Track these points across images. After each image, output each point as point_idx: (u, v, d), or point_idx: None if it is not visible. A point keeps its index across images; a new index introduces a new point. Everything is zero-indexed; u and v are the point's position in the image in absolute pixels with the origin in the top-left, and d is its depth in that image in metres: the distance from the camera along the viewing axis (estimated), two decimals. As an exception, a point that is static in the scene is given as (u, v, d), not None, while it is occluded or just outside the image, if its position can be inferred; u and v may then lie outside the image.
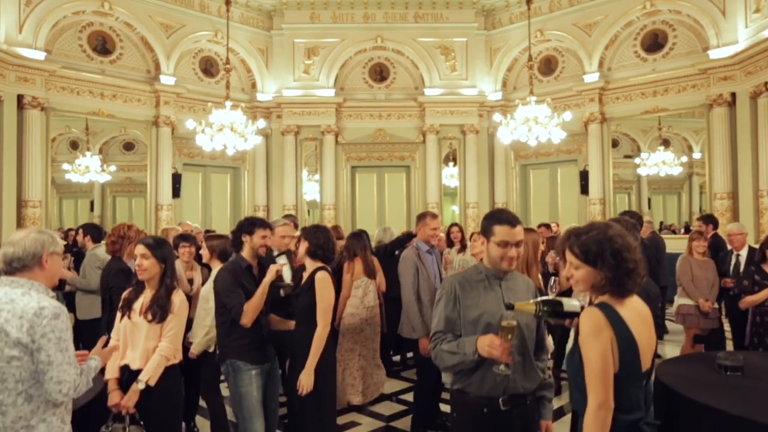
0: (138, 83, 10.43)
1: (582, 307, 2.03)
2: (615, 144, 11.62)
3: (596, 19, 10.87)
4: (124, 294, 2.80)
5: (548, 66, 11.73)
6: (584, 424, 1.73)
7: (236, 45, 11.21)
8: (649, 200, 12.77)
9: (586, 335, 1.76)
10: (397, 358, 6.33)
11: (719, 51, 9.45)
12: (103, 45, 10.19)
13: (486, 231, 2.25)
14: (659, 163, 11.50)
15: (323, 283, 3.12)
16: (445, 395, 4.71)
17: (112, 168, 11.92)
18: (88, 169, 11.54)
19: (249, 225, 3.33)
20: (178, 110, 10.80)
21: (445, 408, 4.45)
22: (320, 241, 3.23)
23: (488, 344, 2.01)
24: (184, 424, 4.24)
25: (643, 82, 10.44)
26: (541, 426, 2.33)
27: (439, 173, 11.88)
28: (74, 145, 12.64)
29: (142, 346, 2.66)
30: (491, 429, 2.17)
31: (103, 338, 2.38)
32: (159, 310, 2.66)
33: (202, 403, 4.37)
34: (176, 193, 10.90)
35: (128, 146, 12.68)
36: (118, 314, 2.78)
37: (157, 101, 10.63)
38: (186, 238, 4.39)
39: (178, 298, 2.74)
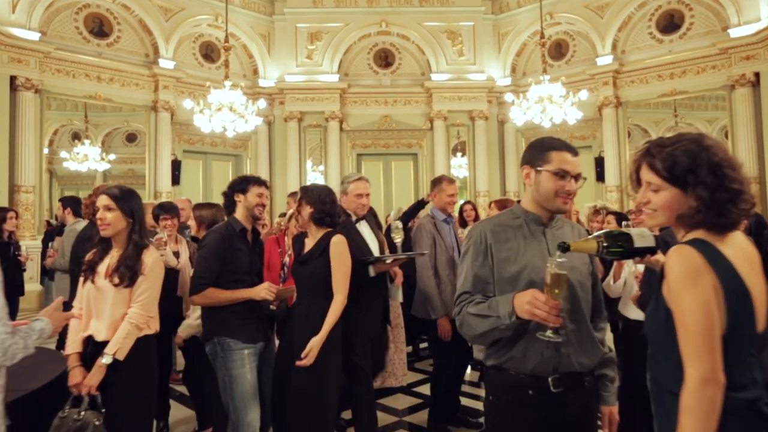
0: (136, 67, 9.96)
1: (656, 238, 1.51)
2: (627, 135, 11.10)
3: (608, 1, 10.34)
4: (87, 255, 2.31)
5: (558, 50, 11.20)
6: (682, 406, 1.20)
7: (237, 30, 10.73)
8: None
9: (678, 282, 1.24)
10: (408, 348, 5.83)
11: (740, 29, 8.90)
12: (100, 27, 9.73)
13: (534, 160, 1.73)
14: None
15: (341, 247, 2.71)
16: (466, 388, 4.24)
17: (112, 156, 11.50)
18: (87, 157, 11.13)
19: (242, 182, 2.88)
20: (178, 95, 10.33)
21: (466, 402, 3.96)
22: (327, 206, 2.78)
23: (529, 301, 1.50)
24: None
25: (659, 64, 9.90)
26: (602, 413, 1.82)
27: (447, 161, 11.35)
28: (76, 137, 12.31)
29: (109, 314, 2.18)
30: (539, 416, 1.65)
31: (60, 299, 1.90)
32: (127, 272, 2.17)
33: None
34: (176, 180, 10.44)
35: (131, 138, 12.25)
36: (81, 278, 2.29)
37: (155, 85, 10.16)
38: (166, 208, 3.79)
39: (150, 258, 2.25)
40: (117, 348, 2.12)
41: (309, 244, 2.83)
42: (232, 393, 2.65)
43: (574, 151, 1.72)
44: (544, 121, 8.93)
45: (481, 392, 4.11)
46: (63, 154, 11.02)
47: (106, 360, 2.10)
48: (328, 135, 11.26)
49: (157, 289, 2.29)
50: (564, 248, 1.46)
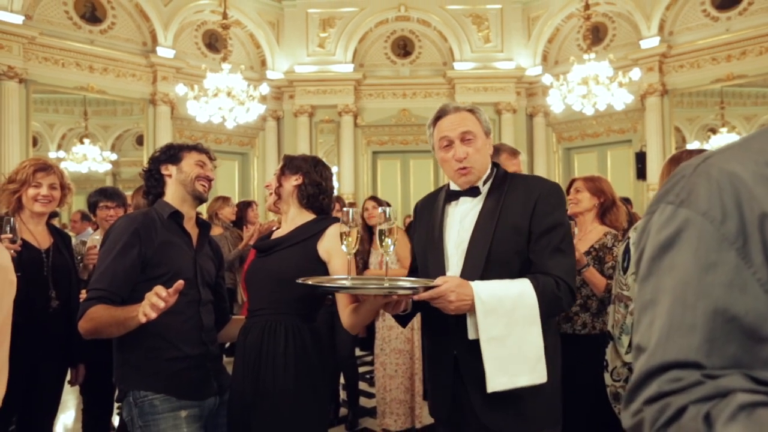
0: (132, 56, 8.78)
1: None
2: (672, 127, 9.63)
3: (654, -23, 8.90)
4: None
5: (596, 35, 9.74)
6: None
7: (243, 17, 9.53)
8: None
9: None
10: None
11: (814, 1, 7.41)
12: (92, 12, 8.56)
13: None
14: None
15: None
16: None
17: (113, 156, 10.49)
18: (86, 157, 10.08)
19: (170, 149, 1.84)
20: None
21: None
22: (323, 181, 1.81)
23: None
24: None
25: (714, 44, 8.40)
26: None
27: (470, 159, 9.93)
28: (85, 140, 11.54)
29: None
30: None
31: None
32: None
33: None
34: (175, 180, 9.22)
35: (141, 140, 11.38)
36: None
37: (154, 77, 8.96)
38: (108, 194, 2.80)
39: None
40: None
41: (283, 228, 1.83)
42: None
43: None
44: (586, 107, 7.49)
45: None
46: (61, 153, 10.09)
47: None
48: (342, 131, 9.95)
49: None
50: None
